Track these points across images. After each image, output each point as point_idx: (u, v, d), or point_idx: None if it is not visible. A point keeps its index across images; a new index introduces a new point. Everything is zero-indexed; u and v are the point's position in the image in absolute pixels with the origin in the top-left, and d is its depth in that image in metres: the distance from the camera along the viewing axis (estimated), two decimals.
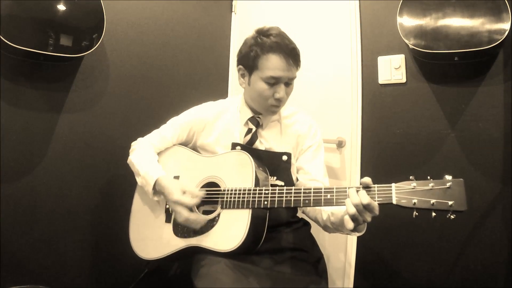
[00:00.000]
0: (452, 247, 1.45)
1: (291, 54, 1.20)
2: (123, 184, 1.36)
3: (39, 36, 1.37)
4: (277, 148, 1.30)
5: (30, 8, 1.36)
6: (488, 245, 1.38)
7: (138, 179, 1.30)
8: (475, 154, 1.43)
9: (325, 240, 1.72)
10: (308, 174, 1.29)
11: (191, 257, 1.19)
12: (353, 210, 0.92)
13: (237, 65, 1.30)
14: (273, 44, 1.19)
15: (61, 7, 1.41)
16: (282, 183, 1.25)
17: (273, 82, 1.20)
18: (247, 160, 1.16)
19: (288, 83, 1.24)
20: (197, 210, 1.21)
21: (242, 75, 1.29)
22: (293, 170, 1.31)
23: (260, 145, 1.30)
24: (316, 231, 1.37)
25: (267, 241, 1.15)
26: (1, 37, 1.28)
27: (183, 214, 1.13)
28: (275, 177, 1.25)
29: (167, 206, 1.27)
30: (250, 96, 1.30)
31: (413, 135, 1.57)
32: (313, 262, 1.22)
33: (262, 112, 1.31)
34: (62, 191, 1.59)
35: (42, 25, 1.38)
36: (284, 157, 1.27)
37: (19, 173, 1.49)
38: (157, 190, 1.24)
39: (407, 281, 1.55)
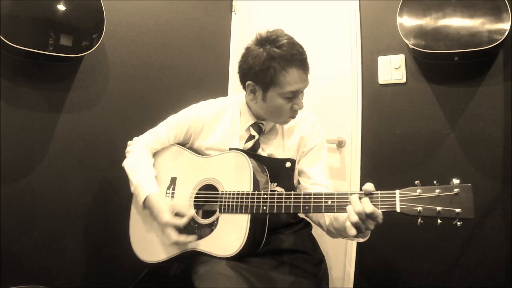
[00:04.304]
0: (452, 247, 1.45)
1: (305, 63, 1.14)
2: (123, 184, 1.35)
3: (39, 36, 1.37)
4: (279, 154, 1.26)
5: (30, 8, 1.36)
6: (488, 245, 1.38)
7: (131, 188, 1.29)
8: (475, 154, 1.43)
9: (325, 241, 1.72)
10: (310, 178, 1.26)
11: (192, 259, 1.19)
12: (355, 218, 0.89)
13: (244, 80, 1.19)
14: (289, 57, 1.10)
15: (61, 7, 1.41)
16: (282, 190, 1.21)
17: (292, 96, 1.14)
18: (244, 162, 1.13)
19: (303, 91, 1.19)
20: (195, 213, 1.20)
21: (252, 91, 1.18)
22: (295, 174, 1.28)
23: (262, 152, 1.26)
24: (317, 232, 1.37)
25: (268, 243, 1.14)
26: (1, 37, 1.27)
27: (172, 237, 1.12)
28: (275, 184, 1.22)
29: None
30: (262, 110, 1.21)
31: (413, 135, 1.57)
32: (314, 264, 1.21)
33: (276, 123, 1.26)
34: (62, 191, 1.59)
35: (42, 25, 1.38)
36: (288, 164, 1.24)
37: (19, 173, 1.49)
38: (145, 205, 1.23)
39: (407, 281, 1.55)
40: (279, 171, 1.23)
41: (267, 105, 1.18)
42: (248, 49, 1.17)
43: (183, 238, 1.12)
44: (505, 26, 1.24)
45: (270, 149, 1.27)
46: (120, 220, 1.40)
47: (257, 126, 1.27)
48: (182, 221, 1.12)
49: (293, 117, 1.22)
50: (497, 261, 1.36)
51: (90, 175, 1.66)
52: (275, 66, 1.10)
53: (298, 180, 1.30)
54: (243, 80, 1.21)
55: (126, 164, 1.33)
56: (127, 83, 1.78)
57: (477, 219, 1.39)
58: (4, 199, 1.44)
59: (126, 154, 1.38)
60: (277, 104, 1.16)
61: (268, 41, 1.13)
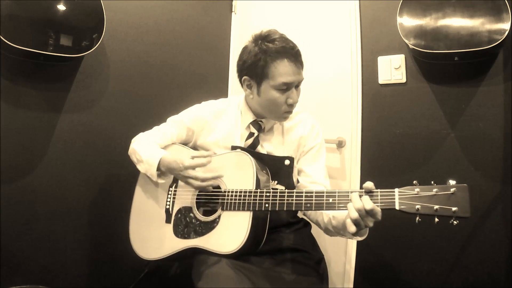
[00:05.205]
0: (452, 247, 1.45)
1: (297, 57, 1.18)
2: (123, 183, 1.36)
3: (39, 36, 1.37)
4: (278, 152, 1.28)
5: (30, 8, 1.36)
6: (488, 245, 1.38)
7: (141, 166, 1.29)
8: (475, 154, 1.43)
9: (325, 241, 1.72)
10: (309, 176, 1.28)
11: (191, 257, 1.19)
12: (355, 215, 0.91)
13: (241, 76, 1.25)
14: (280, 49, 1.15)
15: (61, 7, 1.41)
16: (283, 187, 1.23)
17: (285, 88, 1.17)
18: (248, 162, 1.15)
19: (297, 86, 1.21)
20: (197, 211, 1.21)
21: (248, 86, 1.24)
22: (294, 172, 1.29)
23: (261, 149, 1.28)
24: (316, 232, 1.37)
25: (267, 242, 1.15)
26: (1, 37, 1.27)
27: (199, 176, 1.14)
28: (275, 181, 1.23)
29: (167, 206, 1.27)
30: (259, 105, 1.24)
31: (413, 135, 1.57)
32: (313, 263, 1.22)
33: (274, 119, 1.28)
34: (62, 191, 1.59)
35: (42, 25, 1.38)
36: (287, 162, 1.26)
37: (19, 173, 1.49)
38: (162, 170, 1.23)
39: (407, 282, 1.55)
40: (279, 169, 1.25)
41: (262, 99, 1.21)
42: (244, 48, 1.24)
43: (210, 174, 1.14)
44: (505, 26, 1.24)
45: (270, 146, 1.29)
46: (120, 220, 1.40)
47: (256, 124, 1.29)
48: (203, 160, 1.14)
49: (290, 112, 1.23)
50: (497, 261, 1.36)
51: (90, 175, 1.66)
52: (266, 59, 1.16)
53: (298, 180, 1.31)
54: (240, 76, 1.26)
55: (133, 146, 1.34)
56: (127, 83, 1.78)
57: (477, 219, 1.39)
58: (4, 199, 1.44)
59: (131, 144, 1.39)
60: (270, 97, 1.19)
61: (261, 37, 1.20)
